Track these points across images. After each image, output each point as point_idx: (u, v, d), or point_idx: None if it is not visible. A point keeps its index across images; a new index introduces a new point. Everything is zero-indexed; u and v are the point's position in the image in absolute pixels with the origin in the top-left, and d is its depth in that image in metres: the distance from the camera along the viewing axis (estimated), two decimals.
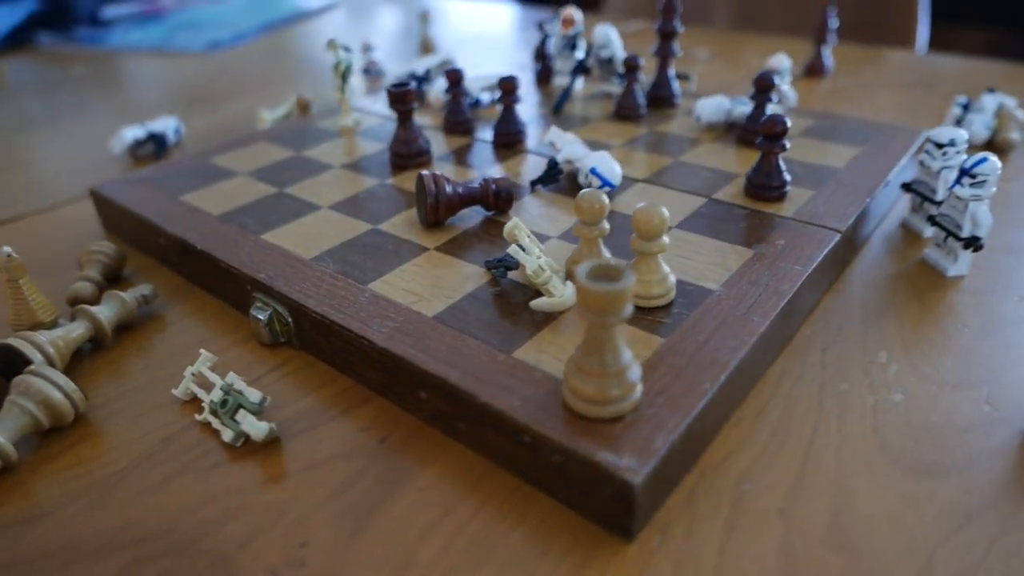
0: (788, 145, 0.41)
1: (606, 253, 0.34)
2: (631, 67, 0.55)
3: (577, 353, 0.26)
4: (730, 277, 0.34)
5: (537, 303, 0.32)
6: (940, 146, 0.43)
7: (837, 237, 0.38)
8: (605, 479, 0.24)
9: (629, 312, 0.24)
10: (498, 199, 0.41)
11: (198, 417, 0.32)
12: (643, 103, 0.56)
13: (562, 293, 0.32)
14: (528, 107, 0.60)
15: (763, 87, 0.49)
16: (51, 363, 0.33)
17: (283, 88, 0.83)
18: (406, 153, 0.48)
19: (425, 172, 0.40)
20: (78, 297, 0.39)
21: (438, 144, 0.53)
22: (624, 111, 0.56)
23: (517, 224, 0.36)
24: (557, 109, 0.58)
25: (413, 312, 0.33)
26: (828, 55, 0.78)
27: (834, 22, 0.76)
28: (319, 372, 0.35)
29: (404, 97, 0.46)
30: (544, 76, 0.66)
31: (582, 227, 0.33)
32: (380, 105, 0.61)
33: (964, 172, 0.39)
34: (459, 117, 0.54)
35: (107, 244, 0.42)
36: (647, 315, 0.32)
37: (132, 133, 0.61)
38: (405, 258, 0.38)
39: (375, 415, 0.32)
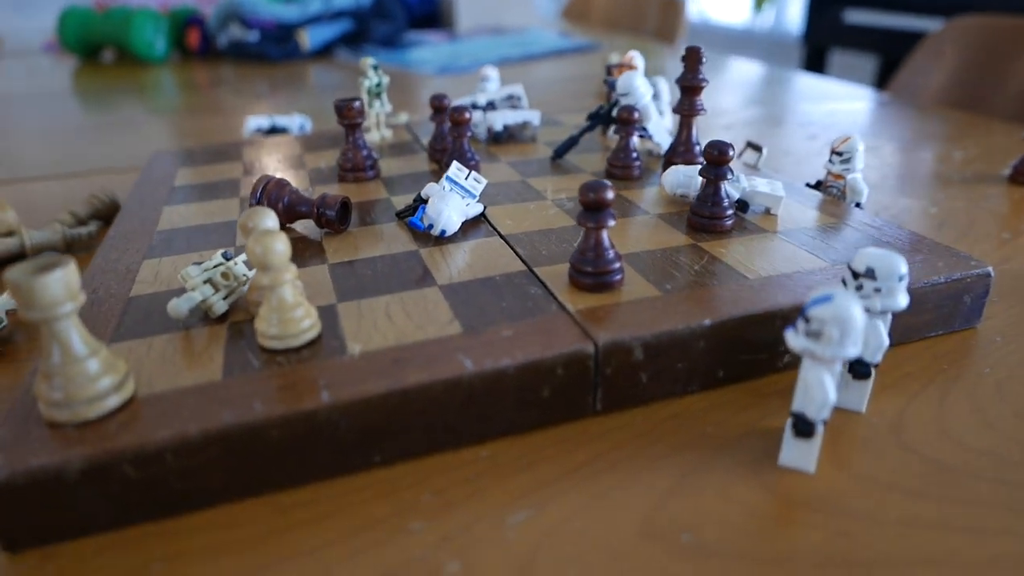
0: (612, 223, 0.32)
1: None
2: (625, 120, 0.47)
3: None
4: (392, 347, 0.28)
5: (170, 305, 0.31)
6: (856, 275, 0.28)
7: (586, 349, 0.28)
8: None
9: (55, 312, 0.23)
10: (322, 218, 0.40)
11: None
12: (636, 162, 0.48)
13: (178, 303, 0.30)
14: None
15: (713, 160, 0.38)
16: None
17: None
18: (345, 166, 0.49)
19: (265, 176, 0.41)
20: (60, 222, 0.50)
21: (407, 166, 0.53)
22: (612, 169, 0.48)
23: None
24: (558, 154, 0.52)
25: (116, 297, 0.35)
26: None
27: None
28: None
29: (345, 111, 0.48)
30: None
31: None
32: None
33: (801, 312, 0.25)
34: (442, 145, 0.53)
35: (107, 192, 0.53)
36: (274, 356, 0.29)
37: (256, 123, 0.73)
38: (186, 251, 0.39)
39: None
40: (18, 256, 0.46)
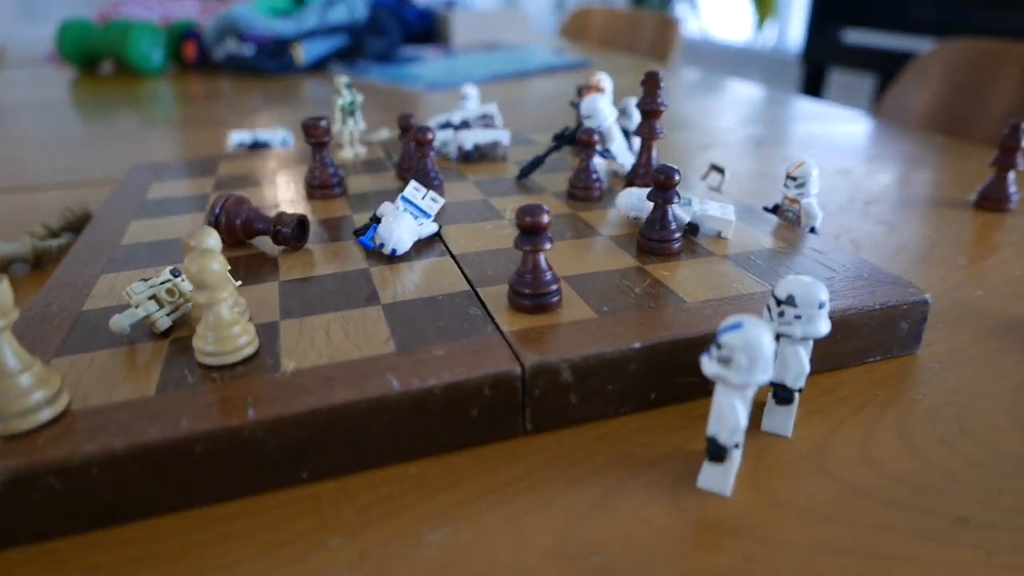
0: (549, 246, 0.32)
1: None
2: (584, 143, 0.48)
3: None
4: (325, 365, 0.29)
5: (112, 320, 0.32)
6: (779, 302, 0.29)
7: (512, 371, 0.29)
8: None
9: None
10: (277, 235, 0.41)
11: None
12: (597, 183, 0.49)
13: (119, 319, 0.31)
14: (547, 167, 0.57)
15: (660, 184, 0.38)
16: None
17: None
18: (312, 183, 0.50)
19: (225, 193, 0.42)
20: (30, 235, 0.51)
21: (376, 183, 0.54)
22: (573, 190, 0.49)
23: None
24: (524, 174, 0.53)
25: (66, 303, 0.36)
26: (1012, 183, 0.55)
27: None
28: None
29: (312, 130, 0.49)
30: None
31: None
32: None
33: (715, 339, 0.26)
34: (409, 163, 0.54)
35: (80, 204, 0.54)
36: (209, 373, 0.29)
37: (239, 137, 0.74)
38: (145, 266, 0.40)
39: None
40: None
